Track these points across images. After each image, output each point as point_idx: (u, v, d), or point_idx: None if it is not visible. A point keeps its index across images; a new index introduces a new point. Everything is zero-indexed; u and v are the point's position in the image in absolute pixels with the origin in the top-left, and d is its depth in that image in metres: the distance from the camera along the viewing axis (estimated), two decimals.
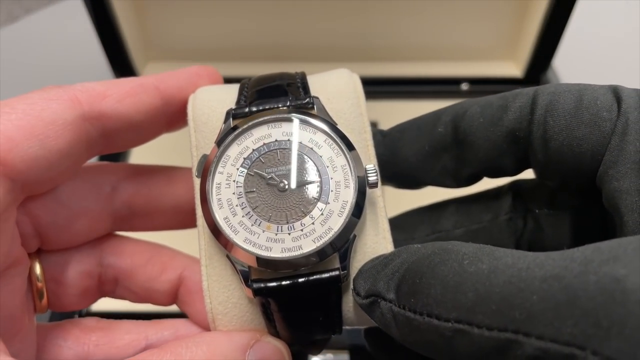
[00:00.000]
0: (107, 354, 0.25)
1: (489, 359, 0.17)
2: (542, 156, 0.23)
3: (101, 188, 0.26)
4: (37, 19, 0.79)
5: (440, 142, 0.25)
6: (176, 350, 0.21)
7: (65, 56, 0.72)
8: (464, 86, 0.63)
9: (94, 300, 0.28)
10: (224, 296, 0.24)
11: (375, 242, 0.24)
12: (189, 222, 0.28)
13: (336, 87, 0.26)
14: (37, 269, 0.25)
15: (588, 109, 0.22)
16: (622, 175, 0.20)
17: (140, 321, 0.27)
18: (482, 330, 0.17)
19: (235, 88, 0.26)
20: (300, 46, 0.63)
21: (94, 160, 0.29)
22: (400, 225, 0.27)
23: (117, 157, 0.56)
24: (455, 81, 0.63)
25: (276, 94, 0.25)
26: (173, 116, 0.26)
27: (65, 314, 0.41)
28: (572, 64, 0.66)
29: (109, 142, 0.25)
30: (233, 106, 0.25)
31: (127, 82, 0.25)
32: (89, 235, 0.27)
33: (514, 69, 0.64)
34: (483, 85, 0.62)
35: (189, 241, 0.29)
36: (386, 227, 0.25)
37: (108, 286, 0.27)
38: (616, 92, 0.22)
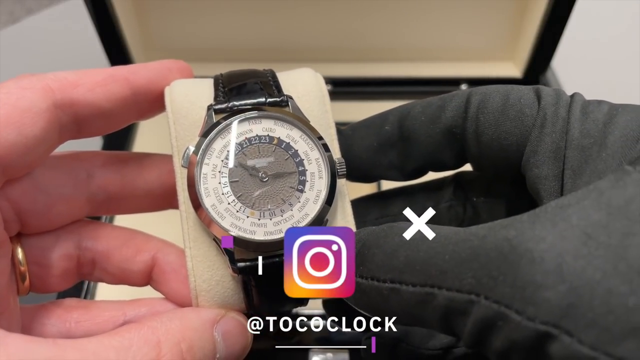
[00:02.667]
0: (87, 329, 0.27)
1: (414, 311, 0.20)
2: (475, 149, 0.26)
3: (77, 175, 0.28)
4: (38, 19, 0.79)
5: (387, 139, 0.28)
6: (152, 324, 0.22)
7: (66, 57, 0.72)
8: (464, 87, 0.63)
9: (74, 282, 0.29)
10: (207, 275, 0.26)
11: (342, 225, 0.27)
12: (161, 204, 0.31)
13: (304, 86, 0.29)
14: (19, 253, 0.27)
15: (513, 107, 0.25)
16: (541, 163, 0.23)
17: (118, 300, 0.29)
18: (408, 287, 0.20)
19: (209, 82, 0.28)
20: (301, 47, 0.63)
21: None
22: (354, 210, 0.29)
23: (123, 145, 0.57)
24: (455, 82, 0.63)
25: (252, 91, 0.27)
26: (142, 106, 0.28)
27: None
28: (571, 65, 0.66)
29: (80, 128, 0.26)
30: (212, 101, 0.27)
31: (98, 72, 0.26)
32: (68, 218, 0.28)
33: (513, 69, 0.65)
34: (482, 86, 0.63)
35: (162, 227, 0.32)
36: (350, 212, 0.28)
37: (86, 268, 0.29)
38: (537, 92, 0.25)
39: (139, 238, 0.29)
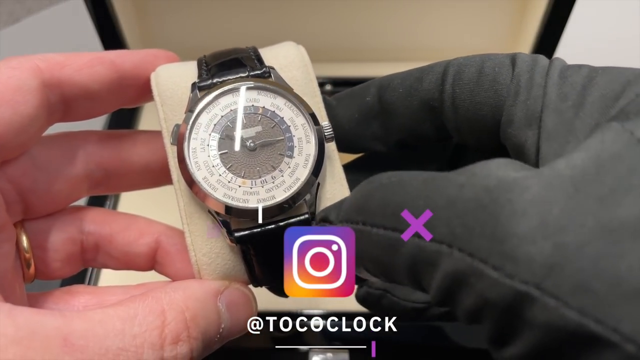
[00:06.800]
0: None
1: (383, 258, 0.20)
2: (454, 122, 0.25)
3: (74, 153, 0.29)
4: (38, 19, 0.79)
5: (369, 110, 0.28)
6: (156, 295, 0.23)
7: None
8: None
9: (78, 268, 0.30)
10: (207, 248, 0.26)
11: (333, 188, 0.28)
12: (159, 180, 0.31)
13: (286, 57, 0.29)
14: (24, 240, 0.27)
15: (487, 76, 0.24)
16: (517, 132, 0.23)
17: (124, 285, 0.29)
18: (379, 230, 0.19)
19: (193, 64, 0.29)
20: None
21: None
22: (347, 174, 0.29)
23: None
24: None
25: (235, 66, 0.28)
26: (128, 91, 0.29)
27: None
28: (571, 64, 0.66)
29: (68, 110, 0.27)
30: (196, 79, 0.28)
31: (85, 54, 0.27)
32: (69, 198, 0.29)
33: None
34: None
35: (163, 214, 0.32)
36: (342, 175, 0.28)
37: (90, 253, 0.29)
38: (513, 59, 0.24)
39: (141, 222, 0.30)
